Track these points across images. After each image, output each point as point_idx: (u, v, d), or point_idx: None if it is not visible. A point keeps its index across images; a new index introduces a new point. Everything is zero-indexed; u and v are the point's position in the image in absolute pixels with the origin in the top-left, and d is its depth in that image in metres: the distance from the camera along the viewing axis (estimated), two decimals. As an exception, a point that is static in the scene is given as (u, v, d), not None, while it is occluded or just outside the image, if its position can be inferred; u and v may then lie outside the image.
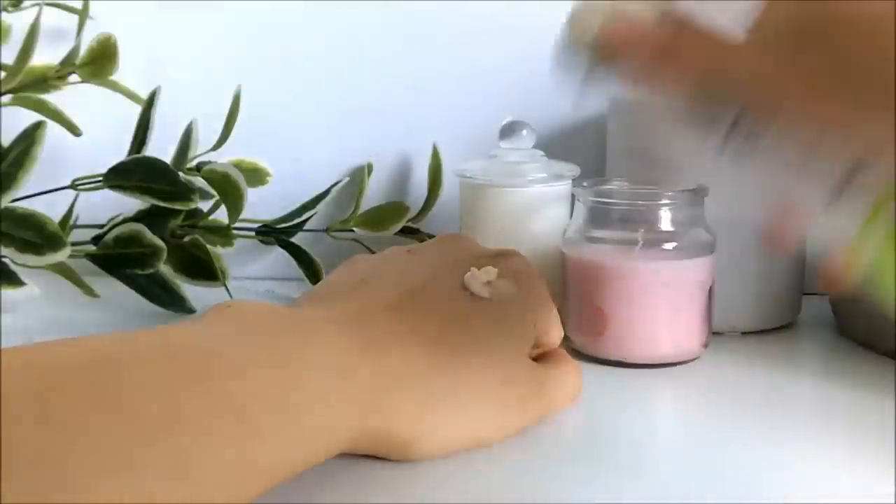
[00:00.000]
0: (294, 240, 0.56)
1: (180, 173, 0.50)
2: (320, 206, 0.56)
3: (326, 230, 0.57)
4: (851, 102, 0.17)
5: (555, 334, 0.36)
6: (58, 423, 0.21)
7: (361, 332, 0.29)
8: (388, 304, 0.31)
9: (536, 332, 0.34)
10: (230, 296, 0.52)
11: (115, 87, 0.55)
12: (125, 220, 0.51)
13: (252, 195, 0.52)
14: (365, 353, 0.29)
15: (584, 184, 0.44)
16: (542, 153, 0.49)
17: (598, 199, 0.43)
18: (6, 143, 0.49)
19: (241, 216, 0.52)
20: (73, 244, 0.49)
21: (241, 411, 0.24)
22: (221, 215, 0.53)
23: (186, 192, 0.48)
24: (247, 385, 0.25)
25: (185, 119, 0.53)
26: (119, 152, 0.51)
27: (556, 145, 0.57)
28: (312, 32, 0.58)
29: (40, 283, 0.52)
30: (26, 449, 0.20)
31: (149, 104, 0.51)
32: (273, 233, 0.56)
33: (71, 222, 0.52)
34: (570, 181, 0.47)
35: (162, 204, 0.48)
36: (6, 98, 0.53)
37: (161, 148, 0.51)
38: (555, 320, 0.36)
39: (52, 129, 0.50)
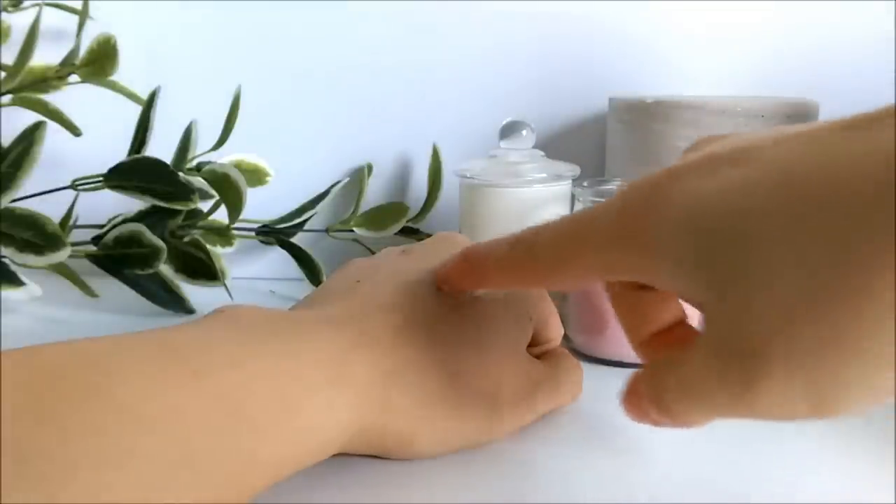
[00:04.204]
0: (294, 240, 0.56)
1: (180, 173, 0.50)
2: (320, 206, 0.56)
3: (326, 230, 0.57)
4: None
5: (554, 329, 0.36)
6: (57, 420, 0.21)
7: (355, 329, 0.29)
8: (382, 302, 0.31)
9: (533, 327, 0.34)
10: (230, 296, 0.52)
11: (115, 87, 0.55)
12: (125, 220, 0.51)
13: (252, 195, 0.52)
14: (358, 348, 0.29)
15: (584, 184, 0.44)
16: (542, 153, 0.49)
17: (598, 200, 0.43)
18: (6, 143, 0.49)
19: (241, 216, 0.52)
20: (73, 244, 0.49)
21: (238, 405, 0.24)
22: (221, 215, 0.53)
23: (186, 192, 0.48)
24: (243, 379, 0.25)
25: (185, 119, 0.53)
26: (119, 152, 0.51)
27: (556, 145, 0.57)
28: (313, 32, 0.58)
29: (40, 283, 0.52)
30: (26, 447, 0.20)
31: (149, 104, 0.51)
32: (273, 233, 0.56)
33: (71, 222, 0.52)
34: (570, 181, 0.47)
35: (162, 204, 0.48)
36: (6, 98, 0.53)
37: (161, 148, 0.51)
38: (552, 314, 0.36)
39: (52, 129, 0.50)
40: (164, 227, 0.51)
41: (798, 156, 0.20)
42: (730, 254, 0.20)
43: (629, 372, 0.42)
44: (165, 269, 0.51)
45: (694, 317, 0.26)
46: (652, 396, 0.24)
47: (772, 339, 0.19)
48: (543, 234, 0.27)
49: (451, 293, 0.32)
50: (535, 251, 0.27)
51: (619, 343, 0.42)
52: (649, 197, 0.23)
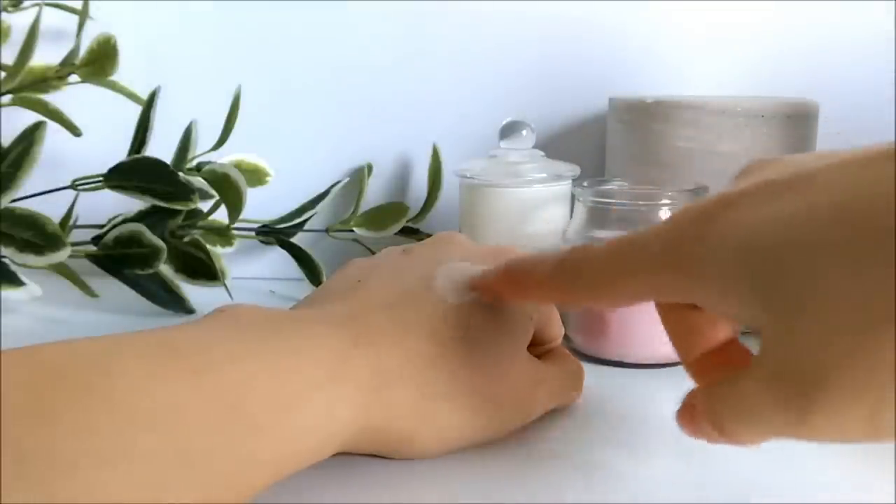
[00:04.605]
0: (294, 240, 0.56)
1: (180, 173, 0.50)
2: (320, 206, 0.56)
3: (326, 230, 0.57)
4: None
5: (554, 329, 0.36)
6: (57, 419, 0.21)
7: (355, 328, 0.29)
8: (382, 302, 0.31)
9: (534, 326, 0.34)
10: (230, 296, 0.52)
11: (115, 87, 0.55)
12: (125, 220, 0.51)
13: (252, 195, 0.52)
14: (359, 347, 0.29)
15: (584, 184, 0.44)
16: (542, 153, 0.49)
17: (598, 199, 0.43)
18: (6, 143, 0.49)
19: (241, 216, 0.52)
20: (73, 244, 0.49)
21: (238, 403, 0.24)
22: (221, 215, 0.53)
23: (186, 192, 0.48)
24: (243, 378, 0.25)
25: (185, 119, 0.53)
26: (119, 152, 0.51)
27: (556, 145, 0.58)
28: (313, 32, 0.58)
29: (40, 283, 0.52)
30: (26, 446, 0.20)
31: (149, 104, 0.51)
32: (273, 233, 0.56)
33: (71, 222, 0.52)
34: (570, 181, 0.47)
35: (162, 204, 0.48)
36: (6, 98, 0.53)
37: (161, 148, 0.51)
38: (552, 314, 0.36)
39: (52, 129, 0.50)
40: (164, 227, 0.51)
41: (852, 182, 0.20)
42: (789, 282, 0.20)
43: (629, 372, 0.42)
44: (165, 269, 0.51)
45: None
46: (708, 414, 0.24)
47: (832, 366, 0.19)
48: (591, 255, 0.27)
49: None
50: (582, 272, 0.27)
51: (620, 343, 0.42)
52: (704, 224, 0.23)
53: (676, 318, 0.28)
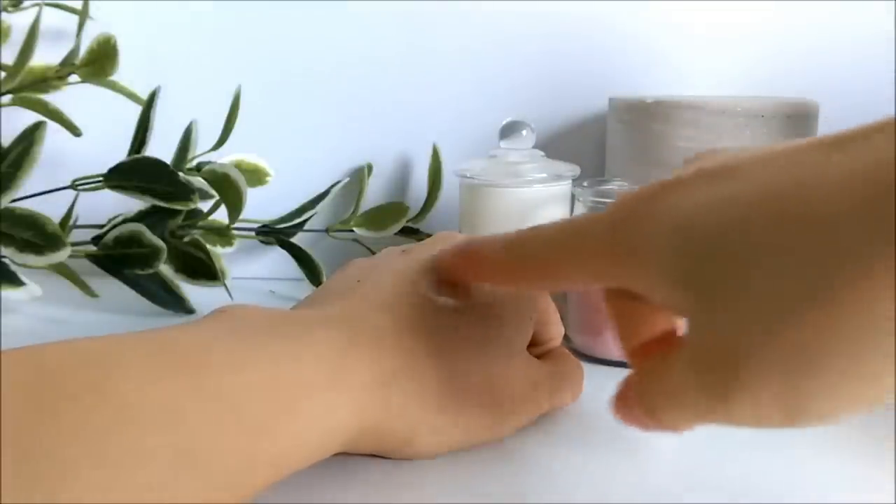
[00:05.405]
0: (294, 240, 0.56)
1: (180, 173, 0.50)
2: (320, 206, 0.56)
3: (326, 230, 0.57)
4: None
5: (554, 329, 0.36)
6: (57, 419, 0.21)
7: (354, 329, 0.29)
8: (380, 302, 0.31)
9: (534, 326, 0.34)
10: (230, 296, 0.52)
11: (115, 87, 0.55)
12: (125, 220, 0.51)
13: (252, 195, 0.52)
14: (357, 347, 0.29)
15: (584, 184, 0.44)
16: (542, 153, 0.49)
17: (598, 199, 0.43)
18: (6, 143, 0.49)
19: (241, 216, 0.52)
20: (73, 244, 0.49)
21: (238, 403, 0.24)
22: (221, 215, 0.53)
23: (186, 192, 0.48)
24: (243, 378, 0.25)
25: (185, 119, 0.53)
26: (119, 152, 0.51)
27: (556, 145, 0.58)
28: (312, 32, 0.58)
29: (40, 283, 0.52)
30: (27, 446, 0.20)
31: (149, 104, 0.51)
32: (273, 233, 0.56)
33: (71, 222, 0.52)
34: (570, 181, 0.47)
35: (162, 204, 0.48)
36: (6, 98, 0.53)
37: (161, 148, 0.51)
38: (552, 314, 0.36)
39: (52, 129, 0.50)
40: (164, 227, 0.51)
41: (780, 172, 0.21)
42: (711, 265, 0.21)
43: (629, 372, 0.42)
44: (165, 269, 0.51)
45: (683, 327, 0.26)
46: (639, 398, 0.25)
47: (747, 349, 0.20)
48: (536, 238, 0.27)
49: (450, 283, 0.32)
50: (527, 255, 0.28)
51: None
52: (638, 210, 0.24)
53: (619, 307, 0.28)
